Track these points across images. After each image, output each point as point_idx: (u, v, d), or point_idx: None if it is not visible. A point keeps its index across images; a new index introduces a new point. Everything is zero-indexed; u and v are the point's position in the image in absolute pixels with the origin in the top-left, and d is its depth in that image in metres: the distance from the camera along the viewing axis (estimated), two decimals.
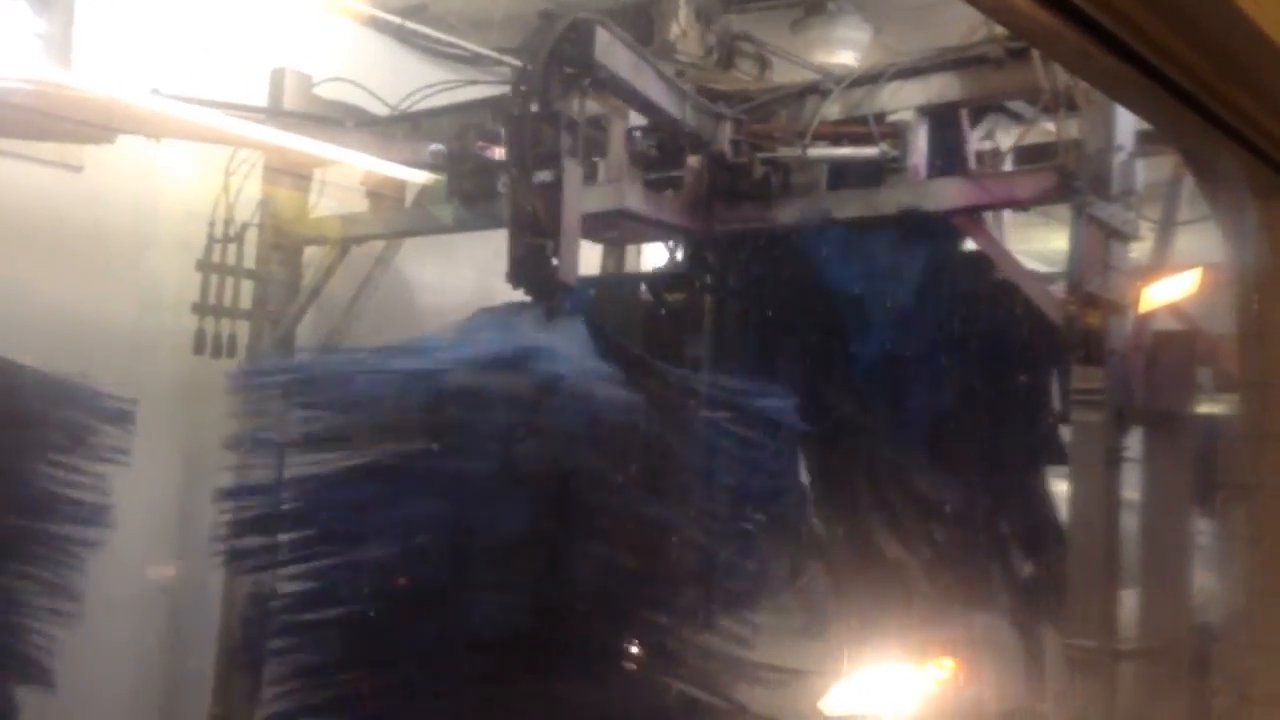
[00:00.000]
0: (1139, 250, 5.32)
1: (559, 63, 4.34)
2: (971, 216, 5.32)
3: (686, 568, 4.17)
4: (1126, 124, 4.82)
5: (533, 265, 4.17)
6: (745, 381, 4.81)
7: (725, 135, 5.54)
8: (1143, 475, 5.13)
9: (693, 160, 5.90)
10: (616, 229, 6.28)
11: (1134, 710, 4.89)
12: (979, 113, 5.57)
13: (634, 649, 4.21)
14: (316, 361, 5.68)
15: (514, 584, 3.74)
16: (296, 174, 6.81)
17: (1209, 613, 4.67)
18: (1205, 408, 5.53)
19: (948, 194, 5.32)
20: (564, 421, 3.74)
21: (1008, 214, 5.79)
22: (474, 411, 3.86)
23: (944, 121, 5.53)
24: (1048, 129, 5.26)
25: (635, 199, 5.71)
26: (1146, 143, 4.98)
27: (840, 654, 4.85)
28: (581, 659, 3.86)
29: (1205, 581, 5.15)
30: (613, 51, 4.48)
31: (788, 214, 5.78)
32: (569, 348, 4.02)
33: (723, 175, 5.85)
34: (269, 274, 6.95)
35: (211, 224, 6.49)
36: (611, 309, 6.62)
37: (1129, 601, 4.87)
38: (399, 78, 5.97)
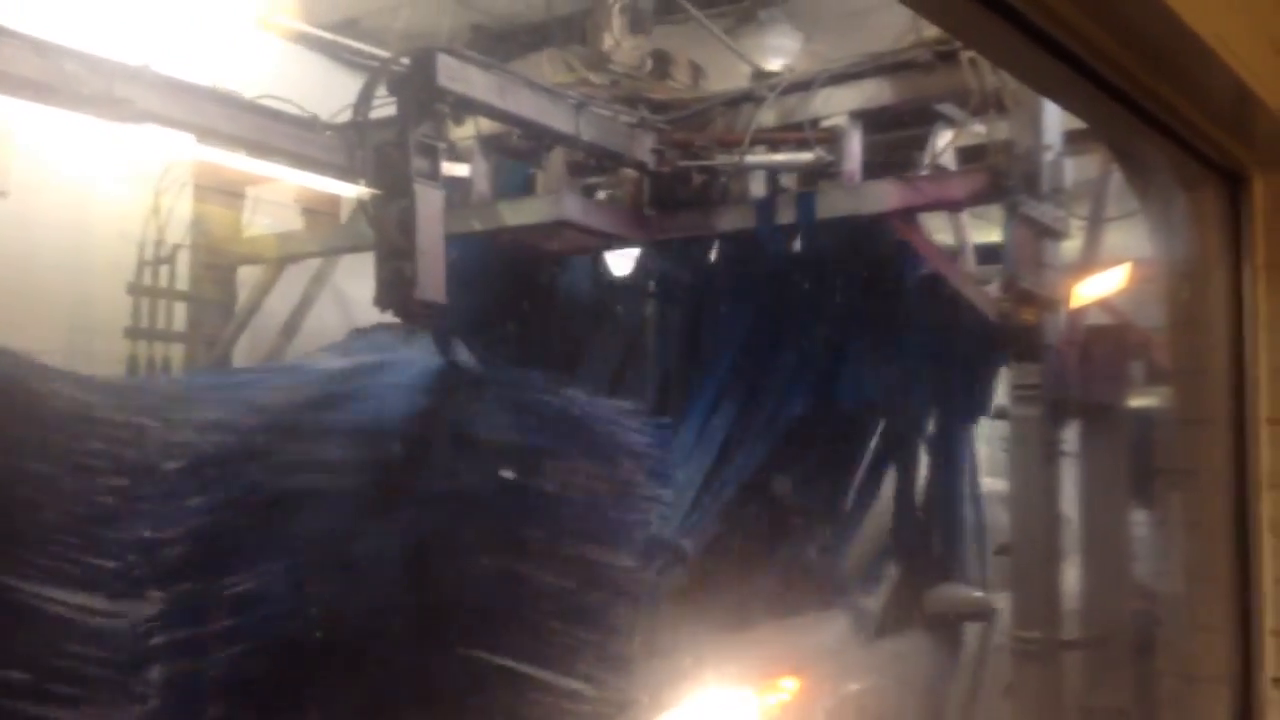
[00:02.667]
0: (1071, 247, 5.45)
1: (406, 92, 4.39)
2: (907, 219, 5.40)
3: (514, 596, 3.90)
4: (1055, 124, 4.92)
5: (395, 288, 4.21)
6: (629, 408, 4.68)
7: (645, 145, 5.56)
8: (1081, 468, 5.24)
9: (630, 171, 5.93)
10: (558, 239, 6.28)
11: (1080, 696, 4.99)
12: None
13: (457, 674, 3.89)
14: (179, 381, 5.60)
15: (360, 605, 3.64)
16: (229, 192, 6.72)
17: (1150, 598, 4.77)
18: (1139, 400, 5.68)
19: (882, 197, 5.39)
20: (374, 441, 3.73)
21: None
22: (301, 438, 3.82)
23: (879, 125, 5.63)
24: (979, 131, 5.38)
25: (574, 209, 5.73)
26: (1075, 142, 5.11)
27: (675, 679, 4.27)
28: (410, 679, 3.71)
29: (1146, 568, 5.28)
30: (464, 76, 4.53)
31: (727, 220, 5.84)
32: (417, 368, 4.05)
33: (661, 184, 5.90)
34: (202, 295, 6.85)
35: (142, 245, 6.38)
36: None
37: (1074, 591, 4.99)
38: (329, 93, 5.92)
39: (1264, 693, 2.17)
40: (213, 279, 6.82)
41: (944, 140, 5.63)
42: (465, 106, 4.67)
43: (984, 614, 5.21)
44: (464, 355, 4.38)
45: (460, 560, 3.71)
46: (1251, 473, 2.21)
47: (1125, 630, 4.78)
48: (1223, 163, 2.23)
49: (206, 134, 5.42)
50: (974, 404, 5.77)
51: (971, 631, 5.34)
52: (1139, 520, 5.40)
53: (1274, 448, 2.21)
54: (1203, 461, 2.29)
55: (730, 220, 5.82)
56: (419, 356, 4.24)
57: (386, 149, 4.32)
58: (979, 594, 5.25)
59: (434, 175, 4.50)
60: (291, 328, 6.85)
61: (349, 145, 4.45)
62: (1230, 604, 2.23)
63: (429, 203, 4.42)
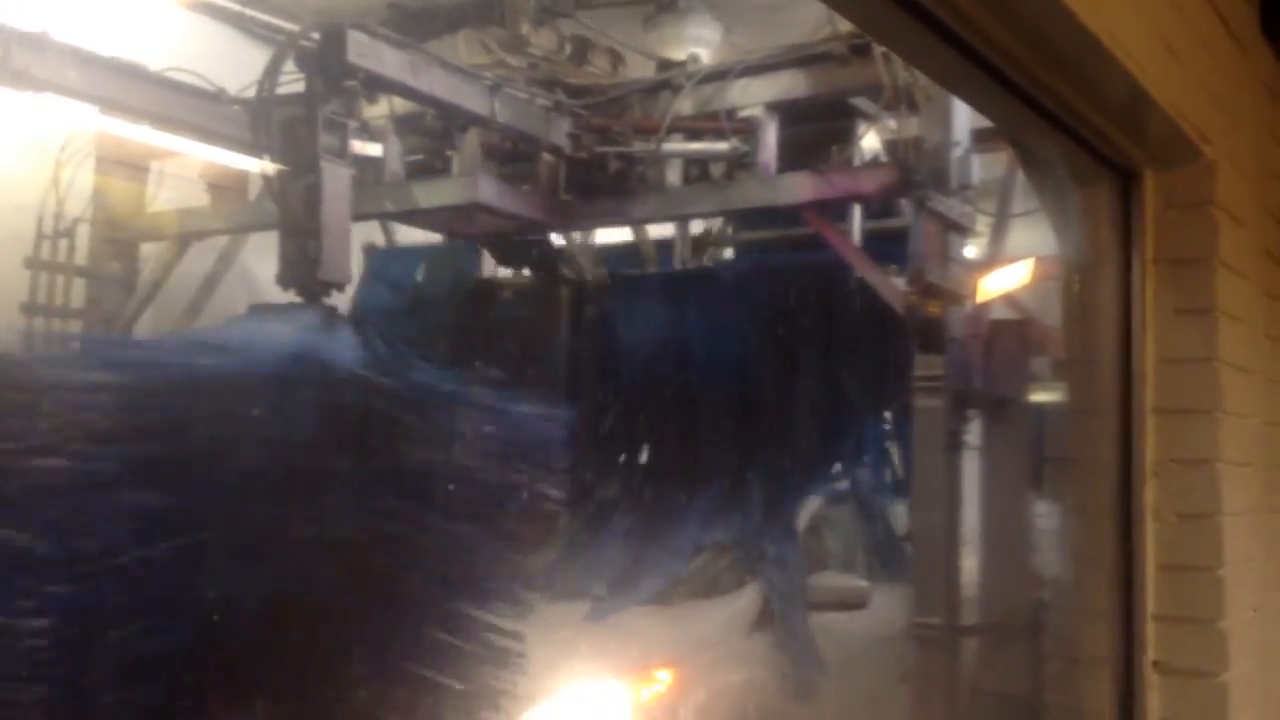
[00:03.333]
0: (977, 243, 5.57)
1: (314, 67, 4.33)
2: (819, 211, 5.47)
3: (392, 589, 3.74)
4: (963, 121, 5.02)
5: (299, 266, 4.16)
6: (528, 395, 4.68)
7: (561, 130, 5.55)
8: (981, 459, 5.36)
9: (546, 156, 5.90)
10: (471, 223, 6.22)
11: (974, 679, 5.11)
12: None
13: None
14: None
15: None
16: (132, 165, 6.53)
17: (1044, 585, 4.91)
18: (1040, 394, 5.82)
19: (796, 189, 5.45)
20: (288, 419, 3.65)
21: None
22: (197, 408, 3.71)
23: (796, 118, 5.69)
24: (890, 126, 5.47)
25: (489, 192, 5.67)
26: (983, 140, 5.22)
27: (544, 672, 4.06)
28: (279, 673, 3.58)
29: (1043, 557, 5.42)
30: (376, 52, 4.49)
31: (644, 208, 5.85)
32: (322, 345, 3.98)
33: (578, 170, 5.89)
34: (103, 271, 6.66)
35: (40, 218, 6.17)
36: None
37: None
38: (238, 67, 5.77)
39: (1145, 675, 2.25)
40: (114, 254, 6.64)
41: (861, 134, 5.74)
42: (376, 84, 4.61)
43: (861, 603, 5.10)
44: (377, 342, 4.29)
45: (336, 554, 3.62)
46: (1137, 460, 2.28)
47: (1019, 616, 4.90)
48: (1116, 160, 2.30)
49: (108, 105, 5.26)
50: (882, 394, 5.85)
51: (856, 621, 5.22)
52: (1037, 511, 5.57)
53: (1159, 437, 2.29)
54: (1091, 449, 2.35)
55: (647, 208, 5.84)
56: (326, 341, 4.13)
57: (294, 125, 4.25)
58: (859, 582, 5.19)
59: (342, 153, 4.44)
60: (196, 306, 6.69)
61: (256, 120, 4.35)
62: (1114, 589, 2.30)
63: (336, 180, 4.36)
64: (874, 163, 5.48)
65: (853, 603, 5.07)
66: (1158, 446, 2.30)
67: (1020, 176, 5.59)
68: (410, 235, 7.12)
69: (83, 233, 6.41)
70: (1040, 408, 5.47)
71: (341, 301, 4.74)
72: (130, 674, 3.37)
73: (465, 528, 3.80)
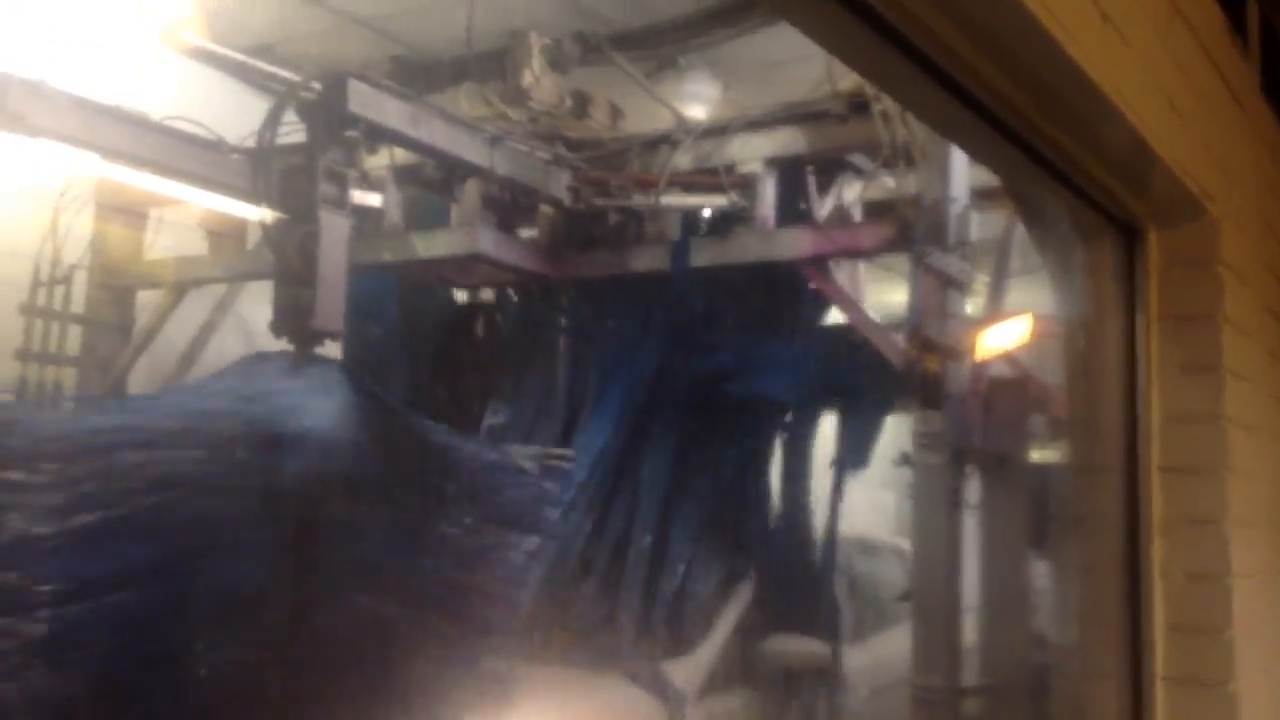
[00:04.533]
0: (975, 300, 5.57)
1: (315, 116, 4.35)
2: (818, 266, 5.47)
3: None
4: (961, 178, 5.04)
5: (292, 315, 4.15)
6: (532, 447, 4.62)
7: (561, 182, 5.57)
8: (982, 517, 5.31)
9: (546, 207, 5.91)
10: (473, 273, 6.23)
11: None
12: (828, 169, 5.78)
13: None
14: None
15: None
16: (131, 211, 6.53)
17: (1047, 647, 4.83)
18: (1039, 453, 5.78)
19: (795, 243, 5.45)
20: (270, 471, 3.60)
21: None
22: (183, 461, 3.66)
23: (793, 176, 5.71)
24: (888, 185, 5.50)
25: (488, 243, 5.68)
26: (982, 198, 5.24)
27: None
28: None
29: (1045, 617, 5.34)
30: (376, 103, 4.51)
31: (641, 261, 5.85)
32: (315, 397, 3.94)
33: (577, 222, 5.90)
34: (99, 317, 6.64)
35: (37, 264, 6.15)
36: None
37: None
38: (239, 116, 5.80)
39: None
40: (110, 301, 6.63)
41: (852, 190, 5.78)
42: (377, 134, 4.62)
43: (824, 668, 4.76)
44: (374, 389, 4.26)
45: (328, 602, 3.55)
46: (1144, 519, 2.24)
47: (1022, 677, 4.82)
48: (1120, 215, 2.29)
49: (108, 153, 5.27)
50: (859, 453, 5.73)
51: (817, 690, 4.85)
52: (1038, 570, 5.50)
53: (1165, 494, 2.25)
54: (1096, 508, 2.31)
55: (645, 260, 5.83)
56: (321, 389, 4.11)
57: (293, 174, 4.25)
58: (820, 646, 4.80)
59: (341, 203, 4.44)
60: (191, 355, 6.66)
61: (255, 168, 4.35)
62: (1122, 649, 2.25)
63: (333, 230, 4.36)
64: (873, 220, 5.48)
65: (814, 669, 4.78)
66: (1165, 505, 2.26)
67: (1019, 233, 5.64)
68: None
69: (80, 279, 6.38)
70: (1040, 466, 5.45)
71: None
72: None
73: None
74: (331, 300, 4.35)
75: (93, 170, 5.60)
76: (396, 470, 4.07)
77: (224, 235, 6.35)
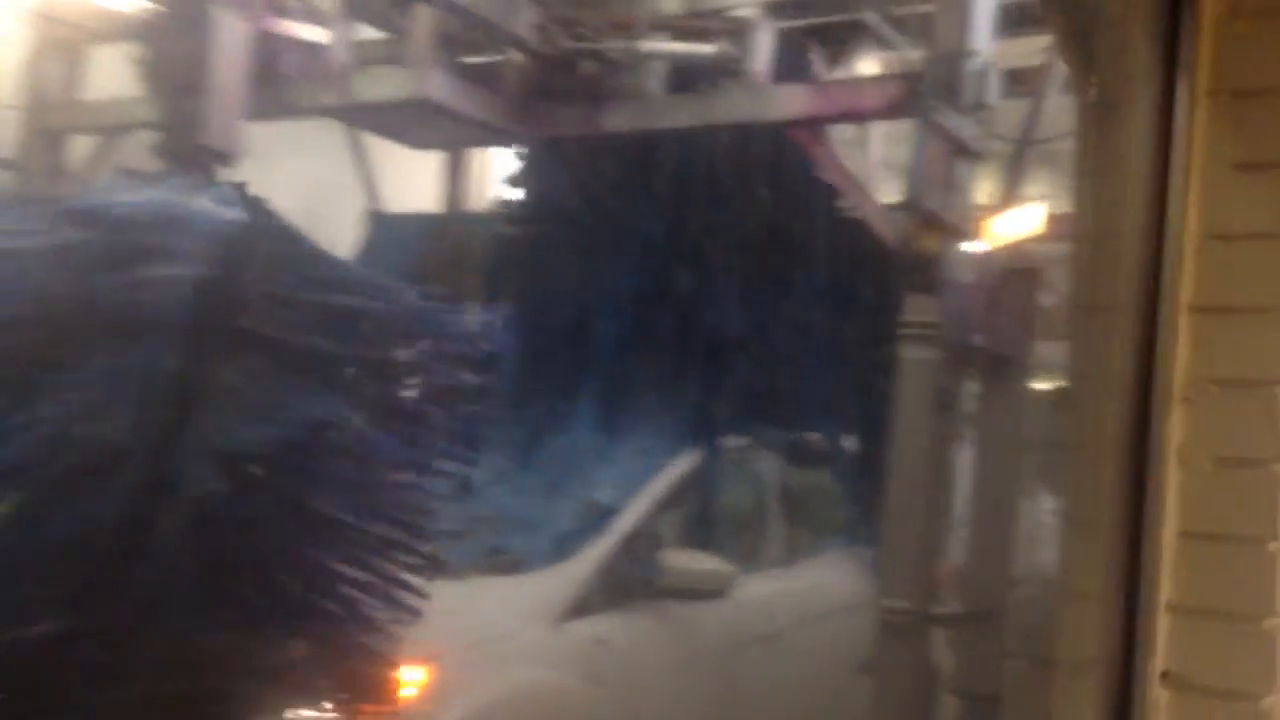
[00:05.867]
0: (989, 181, 4.87)
1: None
2: (815, 130, 4.77)
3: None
4: (985, 28, 4.29)
5: (178, 131, 3.61)
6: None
7: (527, 19, 4.84)
8: (976, 425, 4.68)
9: (513, 52, 5.20)
10: (427, 128, 5.54)
11: (952, 679, 4.46)
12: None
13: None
14: None
15: None
16: (69, 47, 5.92)
17: (1036, 576, 4.22)
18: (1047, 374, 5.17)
19: (790, 102, 4.74)
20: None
21: None
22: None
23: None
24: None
25: (440, 88, 4.96)
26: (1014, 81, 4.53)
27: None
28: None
29: (1039, 546, 4.74)
30: None
31: (618, 119, 5.15)
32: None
33: (546, 71, 5.18)
34: (30, 164, 6.06)
35: None
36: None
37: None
38: None
39: (1149, 690, 1.55)
40: (42, 146, 6.04)
41: (868, 64, 5.06)
42: None
43: (719, 590, 3.96)
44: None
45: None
46: (1159, 378, 1.58)
47: (1007, 608, 4.22)
48: None
49: None
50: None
51: (717, 614, 4.06)
52: (1034, 491, 4.90)
53: (1195, 345, 1.58)
54: (1100, 361, 1.66)
55: (621, 118, 5.13)
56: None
57: None
58: (720, 565, 4.01)
59: (246, 5, 3.79)
60: None
61: None
62: (1112, 563, 1.60)
63: (232, 34, 3.70)
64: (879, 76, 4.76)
65: (708, 590, 3.95)
66: (1192, 359, 1.59)
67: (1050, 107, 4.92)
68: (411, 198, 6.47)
69: (8, 120, 5.82)
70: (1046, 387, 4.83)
71: None
72: None
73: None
74: (225, 113, 3.74)
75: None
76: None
77: None
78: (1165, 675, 1.56)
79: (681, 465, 4.28)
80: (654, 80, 5.13)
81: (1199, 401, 1.59)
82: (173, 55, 3.59)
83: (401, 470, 2.90)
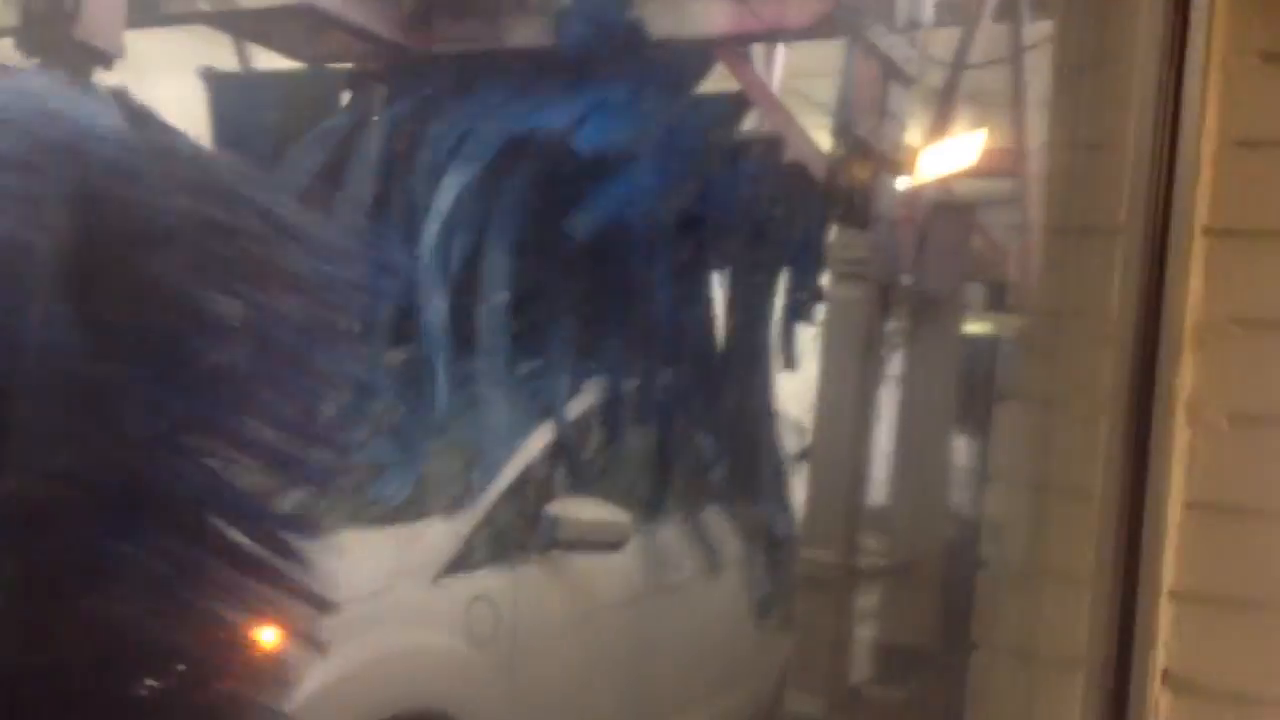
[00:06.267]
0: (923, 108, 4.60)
1: None
2: (735, 49, 4.43)
3: None
4: None
5: (52, 23, 3.21)
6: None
7: None
8: (905, 368, 4.47)
9: None
10: (315, 41, 5.08)
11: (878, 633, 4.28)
12: None
13: None
14: None
15: None
16: None
17: (967, 530, 4.03)
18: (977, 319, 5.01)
19: (708, 19, 4.40)
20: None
21: None
22: None
23: None
24: None
25: None
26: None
27: None
28: None
29: (965, 495, 4.55)
30: None
31: (521, 34, 4.76)
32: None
33: None
34: None
35: None
36: None
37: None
38: None
39: (1148, 692, 1.29)
40: None
41: None
42: None
43: (618, 542, 3.66)
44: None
45: None
46: (1167, 318, 1.30)
47: (937, 561, 4.03)
48: None
49: None
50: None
51: (613, 569, 3.79)
52: (962, 437, 4.73)
53: (1210, 276, 1.30)
54: (1094, 294, 1.37)
55: (525, 34, 4.74)
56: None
57: None
58: (618, 515, 3.71)
59: None
60: None
61: None
62: (1104, 540, 1.34)
63: None
64: None
65: (603, 542, 3.65)
66: (1207, 295, 1.32)
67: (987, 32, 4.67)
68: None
69: None
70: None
71: None
72: None
73: None
74: (106, 8, 3.29)
75: None
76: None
77: None
78: (1166, 674, 1.30)
79: (575, 409, 3.97)
80: None
81: (1214, 345, 1.31)
82: None
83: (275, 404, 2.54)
